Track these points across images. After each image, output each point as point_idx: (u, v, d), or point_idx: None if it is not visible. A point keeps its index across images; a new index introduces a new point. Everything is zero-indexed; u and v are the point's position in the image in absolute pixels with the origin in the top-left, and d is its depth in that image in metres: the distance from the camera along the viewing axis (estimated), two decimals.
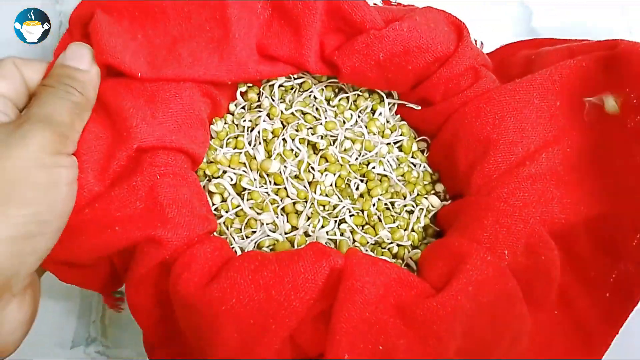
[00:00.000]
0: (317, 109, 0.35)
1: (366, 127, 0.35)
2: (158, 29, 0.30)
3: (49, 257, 0.28)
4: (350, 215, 0.33)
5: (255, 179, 0.33)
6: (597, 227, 0.30)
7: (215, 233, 0.31)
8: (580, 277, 0.30)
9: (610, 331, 0.30)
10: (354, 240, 0.33)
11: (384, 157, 0.34)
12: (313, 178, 0.33)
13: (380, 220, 0.33)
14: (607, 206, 0.29)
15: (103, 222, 0.27)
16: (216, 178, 0.33)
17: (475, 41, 0.36)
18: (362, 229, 0.33)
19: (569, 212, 0.29)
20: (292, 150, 0.33)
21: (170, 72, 0.29)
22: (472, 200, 0.31)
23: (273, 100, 0.35)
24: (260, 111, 0.34)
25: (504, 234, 0.28)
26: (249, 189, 0.33)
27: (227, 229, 0.33)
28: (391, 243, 0.33)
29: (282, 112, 0.34)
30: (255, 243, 0.32)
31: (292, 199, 0.32)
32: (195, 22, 0.30)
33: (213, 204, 0.33)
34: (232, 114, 0.35)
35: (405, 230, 0.33)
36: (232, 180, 0.33)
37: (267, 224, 0.32)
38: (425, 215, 0.34)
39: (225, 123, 0.34)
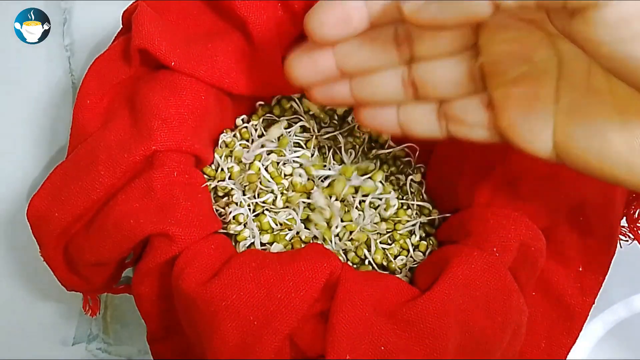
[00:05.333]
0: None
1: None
2: (197, 29, 0.30)
3: (81, 261, 0.29)
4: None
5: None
6: (574, 214, 0.31)
7: None
8: (557, 257, 0.31)
9: (588, 301, 0.31)
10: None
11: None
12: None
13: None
14: (584, 195, 0.30)
15: (120, 215, 0.27)
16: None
17: None
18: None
19: (553, 204, 0.30)
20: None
21: (203, 71, 0.29)
22: (472, 212, 0.30)
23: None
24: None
25: (493, 233, 0.28)
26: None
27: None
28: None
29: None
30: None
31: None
32: (228, 32, 0.30)
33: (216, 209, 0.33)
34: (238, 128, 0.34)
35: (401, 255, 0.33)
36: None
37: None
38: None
39: (234, 136, 0.34)
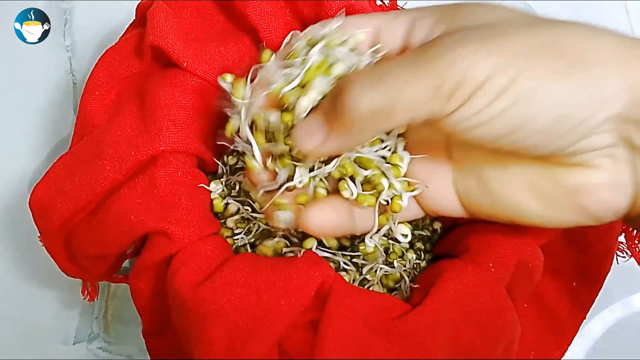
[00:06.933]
0: None
1: None
2: (210, 29, 0.31)
3: (82, 253, 0.29)
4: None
5: None
6: (572, 230, 0.30)
7: None
8: (552, 272, 0.31)
9: (579, 316, 0.32)
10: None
11: None
12: None
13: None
14: None
15: (121, 210, 0.27)
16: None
17: None
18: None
19: None
20: None
21: (214, 74, 0.29)
22: (471, 227, 0.30)
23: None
24: None
25: (490, 249, 0.28)
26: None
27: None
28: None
29: None
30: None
31: None
32: (239, 35, 0.30)
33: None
34: None
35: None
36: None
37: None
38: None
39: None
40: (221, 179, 0.32)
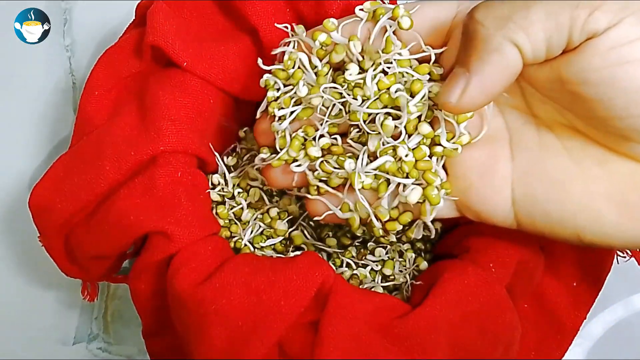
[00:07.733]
0: None
1: None
2: (209, 28, 0.30)
3: (81, 253, 0.29)
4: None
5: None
6: None
7: None
8: (553, 271, 0.31)
9: (580, 315, 0.31)
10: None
11: None
12: None
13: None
14: None
15: (121, 210, 0.27)
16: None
17: None
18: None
19: None
20: None
21: (214, 74, 0.29)
22: (472, 227, 0.30)
23: None
24: None
25: (490, 249, 0.28)
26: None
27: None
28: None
29: None
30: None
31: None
32: (239, 35, 0.30)
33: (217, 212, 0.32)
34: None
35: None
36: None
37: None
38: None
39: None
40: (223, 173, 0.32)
